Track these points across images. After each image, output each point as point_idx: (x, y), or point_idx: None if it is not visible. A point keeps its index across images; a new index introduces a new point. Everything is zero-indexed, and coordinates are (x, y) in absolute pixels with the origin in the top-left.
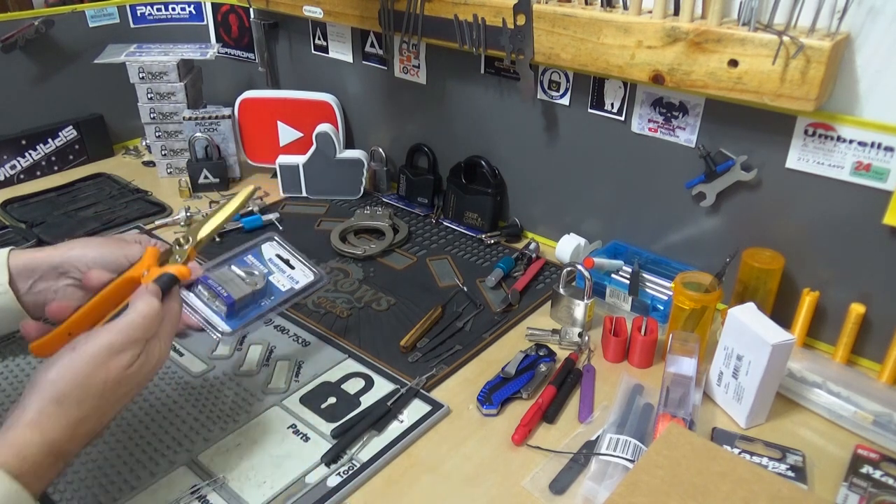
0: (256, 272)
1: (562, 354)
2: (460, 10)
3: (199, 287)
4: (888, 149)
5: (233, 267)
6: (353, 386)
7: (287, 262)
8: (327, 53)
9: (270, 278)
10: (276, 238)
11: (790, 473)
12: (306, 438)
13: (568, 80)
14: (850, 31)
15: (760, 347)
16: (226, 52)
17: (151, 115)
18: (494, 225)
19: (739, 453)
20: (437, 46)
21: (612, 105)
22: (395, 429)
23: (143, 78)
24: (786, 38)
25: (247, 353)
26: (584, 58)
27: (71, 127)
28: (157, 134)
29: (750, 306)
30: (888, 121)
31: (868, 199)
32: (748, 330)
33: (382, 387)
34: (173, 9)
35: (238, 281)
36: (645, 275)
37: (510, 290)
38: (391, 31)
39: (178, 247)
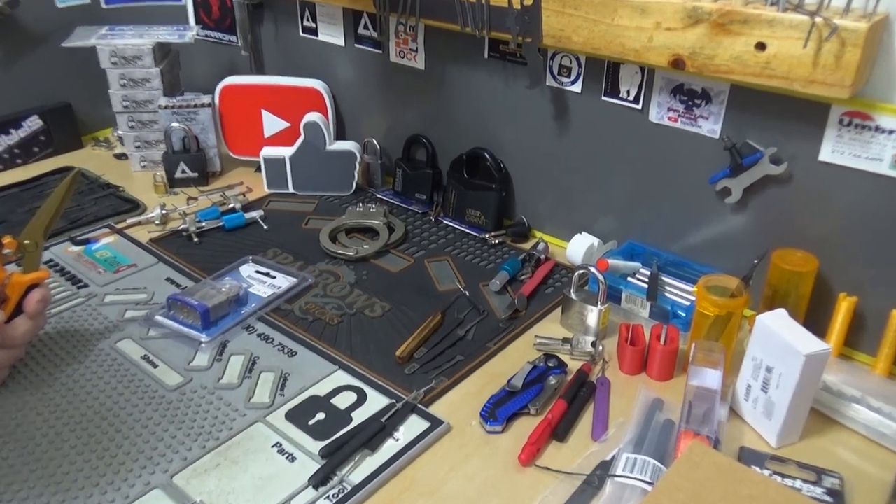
0: (231, 284)
1: (573, 366)
2: None
3: (170, 309)
4: None
5: (208, 282)
6: (343, 400)
7: (267, 274)
8: (317, 36)
9: (250, 290)
10: (251, 258)
11: (827, 498)
12: (292, 458)
13: (580, 66)
14: (889, 12)
15: (792, 358)
16: (206, 35)
17: (124, 104)
18: (499, 223)
19: (770, 475)
20: (436, 28)
21: (628, 92)
22: (389, 447)
23: (115, 63)
24: (818, 19)
25: (227, 364)
26: (598, 41)
27: (36, 116)
28: (129, 124)
29: (780, 313)
30: None
31: None
32: (779, 339)
33: (376, 401)
34: None
35: (212, 292)
36: (664, 278)
37: (516, 295)
38: (386, 11)
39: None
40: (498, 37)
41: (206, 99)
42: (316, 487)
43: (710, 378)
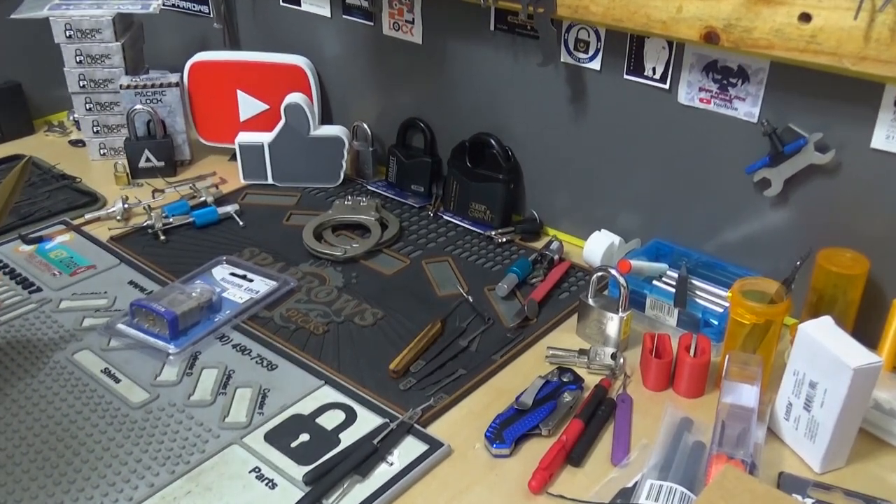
0: (203, 288)
1: (591, 381)
2: None
3: (134, 316)
4: None
5: (176, 286)
6: (330, 420)
7: (244, 276)
8: (299, 6)
9: (224, 295)
10: (225, 259)
11: None
12: (273, 485)
13: (599, 39)
14: None
15: (839, 372)
16: (172, 5)
17: (80, 83)
18: (507, 219)
19: None
20: None
21: (654, 70)
22: (382, 473)
23: (70, 37)
24: None
25: (198, 378)
26: (619, 11)
27: None
28: (87, 106)
29: (826, 321)
30: None
31: None
32: (824, 350)
33: (367, 421)
34: None
35: (181, 297)
36: (695, 281)
37: (526, 301)
38: None
39: None
40: (506, 6)
41: (173, 78)
42: None
43: (746, 395)
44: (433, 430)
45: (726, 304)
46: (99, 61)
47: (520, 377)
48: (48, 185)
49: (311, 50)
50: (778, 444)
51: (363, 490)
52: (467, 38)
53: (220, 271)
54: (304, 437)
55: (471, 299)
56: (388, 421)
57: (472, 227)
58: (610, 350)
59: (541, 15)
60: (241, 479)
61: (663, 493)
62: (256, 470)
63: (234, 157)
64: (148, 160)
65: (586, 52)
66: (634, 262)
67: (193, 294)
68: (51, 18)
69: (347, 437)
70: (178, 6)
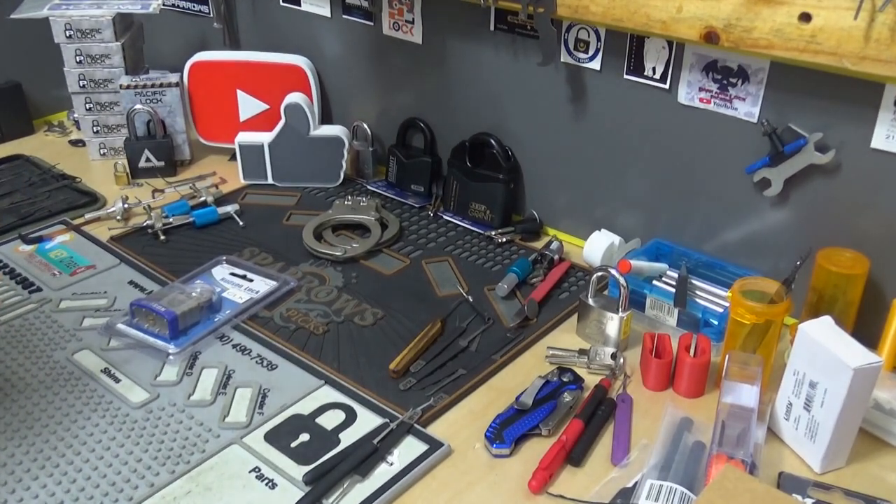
0: (203, 288)
1: (591, 381)
2: None
3: (134, 316)
4: None
5: (176, 286)
6: (330, 420)
7: (244, 276)
8: (299, 6)
9: (224, 294)
10: (225, 259)
11: None
12: (273, 485)
13: (599, 39)
14: None
15: (839, 372)
16: (172, 5)
17: (80, 83)
18: (507, 219)
19: None
20: None
21: (654, 70)
22: (382, 473)
23: (70, 36)
24: None
25: (198, 378)
26: (619, 11)
27: None
28: (87, 106)
29: (826, 321)
30: None
31: None
32: (824, 350)
33: (367, 421)
34: None
35: (181, 297)
36: (695, 281)
37: (526, 301)
38: None
39: None
40: (506, 6)
41: (173, 78)
42: None
43: (746, 395)
44: (433, 430)
45: (726, 304)
46: (99, 61)
47: (520, 377)
48: (48, 184)
49: (311, 50)
50: (778, 444)
51: (363, 490)
52: (467, 38)
53: (220, 271)
54: (304, 436)
55: (471, 299)
56: (388, 421)
57: (472, 227)
58: (610, 350)
59: (541, 15)
60: (241, 478)
61: (663, 493)
62: (256, 470)
63: (234, 157)
64: (148, 160)
65: (586, 51)
66: (634, 262)
67: (193, 294)
68: (51, 18)
69: (347, 437)
70: (178, 6)
